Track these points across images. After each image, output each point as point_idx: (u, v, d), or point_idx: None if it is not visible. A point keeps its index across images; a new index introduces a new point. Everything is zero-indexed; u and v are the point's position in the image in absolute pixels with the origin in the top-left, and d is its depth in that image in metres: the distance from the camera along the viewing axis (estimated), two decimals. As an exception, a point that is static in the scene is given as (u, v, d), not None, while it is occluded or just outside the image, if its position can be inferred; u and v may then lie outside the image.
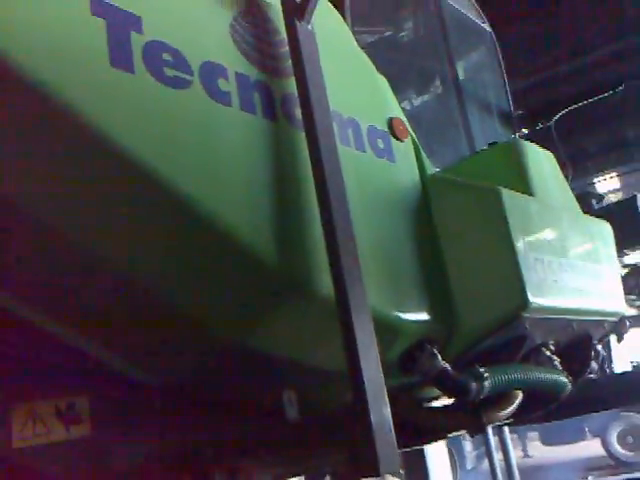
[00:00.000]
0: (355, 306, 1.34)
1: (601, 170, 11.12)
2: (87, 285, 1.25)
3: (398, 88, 2.80)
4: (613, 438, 11.37)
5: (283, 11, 1.50)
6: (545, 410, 2.20)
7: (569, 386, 2.00)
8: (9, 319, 1.22)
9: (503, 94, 3.22)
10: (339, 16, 1.90)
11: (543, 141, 4.12)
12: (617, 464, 11.15)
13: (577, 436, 12.39)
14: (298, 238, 1.40)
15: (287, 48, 1.51)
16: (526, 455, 14.26)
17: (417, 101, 2.97)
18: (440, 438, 2.05)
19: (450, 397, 1.73)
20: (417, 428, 1.69)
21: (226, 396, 1.48)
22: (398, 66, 2.87)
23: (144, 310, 1.30)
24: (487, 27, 3.23)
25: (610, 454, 11.35)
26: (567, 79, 7.68)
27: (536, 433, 13.49)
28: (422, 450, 3.86)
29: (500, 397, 1.77)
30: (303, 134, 1.45)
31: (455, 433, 2.02)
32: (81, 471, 1.30)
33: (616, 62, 7.70)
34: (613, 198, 15.77)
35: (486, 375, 1.63)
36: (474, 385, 1.61)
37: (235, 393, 1.49)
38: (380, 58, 2.28)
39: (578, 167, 9.71)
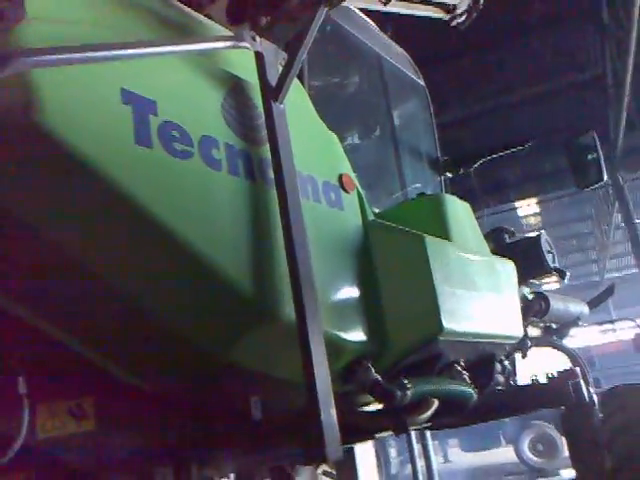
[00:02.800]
0: (311, 329, 1.72)
1: (521, 198, 12.16)
2: (102, 310, 1.58)
3: (343, 128, 3.24)
4: (525, 445, 12.12)
5: (261, 92, 1.89)
6: (457, 416, 2.67)
7: (475, 396, 2.46)
8: (34, 334, 1.53)
9: (432, 142, 3.73)
10: (300, 86, 2.30)
11: (465, 181, 4.68)
12: (529, 470, 11.97)
13: (493, 443, 13.15)
14: (269, 274, 1.78)
15: (263, 121, 1.89)
16: (447, 460, 14.96)
17: (359, 142, 3.40)
18: (371, 437, 2.47)
19: (380, 403, 2.15)
20: (353, 428, 2.08)
21: (204, 399, 1.83)
22: (343, 110, 3.30)
23: (144, 330, 1.64)
24: (421, 82, 3.73)
25: (522, 460, 12.03)
26: (487, 127, 8.41)
27: (456, 440, 14.22)
28: (352, 452, 4.28)
29: (420, 404, 2.20)
30: (274, 190, 1.84)
31: (384, 434, 2.44)
32: (88, 458, 1.62)
33: (532, 104, 8.55)
34: (532, 220, 16.88)
35: (409, 386, 2.05)
36: (399, 393, 2.03)
37: (212, 397, 1.84)
38: (328, 102, 2.69)
39: (501, 195, 10.59)
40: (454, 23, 3.21)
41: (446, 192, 3.67)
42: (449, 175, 3.67)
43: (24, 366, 1.48)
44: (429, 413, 2.22)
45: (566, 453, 3.65)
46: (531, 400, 3.29)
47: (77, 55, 1.25)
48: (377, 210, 2.63)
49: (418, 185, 3.50)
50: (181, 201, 1.59)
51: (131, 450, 1.72)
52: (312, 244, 1.85)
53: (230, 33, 1.95)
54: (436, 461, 9.16)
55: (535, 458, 11.97)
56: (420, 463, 8.49)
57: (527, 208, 14.33)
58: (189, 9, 1.92)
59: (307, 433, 1.66)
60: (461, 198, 2.79)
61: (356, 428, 2.09)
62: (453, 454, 15.11)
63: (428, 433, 8.66)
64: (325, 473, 3.88)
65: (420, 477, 8.33)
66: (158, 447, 1.77)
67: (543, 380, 3.19)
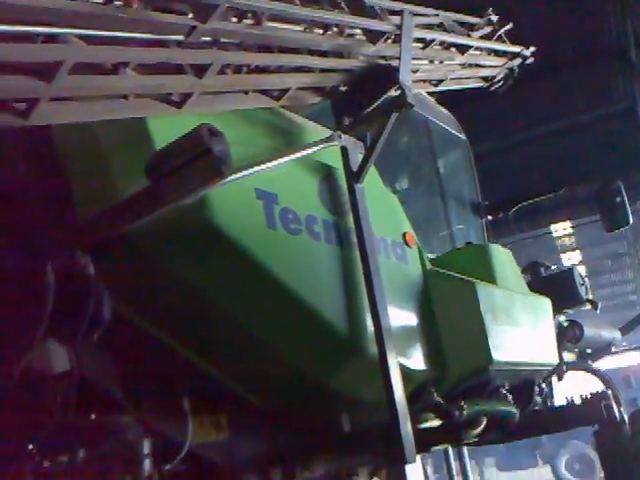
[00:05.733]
0: (390, 361, 2.23)
1: (554, 222, 12.45)
2: (242, 351, 2.12)
3: (397, 183, 3.76)
4: (562, 465, 12.33)
5: (345, 177, 2.43)
6: (501, 432, 3.13)
7: (517, 415, 2.94)
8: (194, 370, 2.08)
9: (474, 189, 4.23)
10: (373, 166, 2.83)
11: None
12: (565, 489, 12.13)
13: (529, 462, 13.33)
14: (356, 318, 2.30)
15: (346, 198, 2.43)
16: (482, 479, 15.06)
17: (412, 194, 3.92)
18: (430, 449, 2.95)
19: (440, 420, 2.64)
20: (420, 441, 2.57)
21: (305, 415, 2.36)
22: (397, 167, 3.82)
23: (270, 363, 2.18)
24: (463, 136, 4.25)
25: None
26: (523, 157, 8.80)
27: (492, 459, 14.42)
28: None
29: (472, 421, 2.69)
30: (357, 252, 2.37)
31: (440, 446, 2.93)
32: (224, 459, 2.15)
33: (565, 135, 8.92)
34: (567, 241, 16.98)
35: (464, 406, 2.54)
36: (457, 413, 2.52)
37: (311, 414, 2.36)
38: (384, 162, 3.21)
39: (535, 220, 10.92)
40: (492, 89, 3.73)
41: (487, 232, 4.15)
42: (489, 218, 4.16)
43: (186, 392, 2.03)
44: (480, 429, 2.71)
45: (602, 473, 4.00)
46: (566, 419, 3.72)
47: (241, 174, 1.80)
48: (430, 255, 3.14)
49: (461, 227, 4.00)
50: (296, 267, 2.13)
51: (253, 454, 2.25)
52: (386, 293, 2.37)
53: (322, 130, 2.51)
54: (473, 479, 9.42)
55: (572, 477, 12.12)
56: (457, 480, 8.79)
57: (562, 230, 14.58)
58: (290, 113, 2.47)
59: (389, 441, 2.16)
60: (498, 226, 3.25)
61: (422, 440, 2.58)
62: (489, 473, 15.23)
63: (466, 452, 8.98)
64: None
65: (458, 494, 8.65)
66: (272, 453, 2.30)
67: (578, 401, 3.62)
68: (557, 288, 4.16)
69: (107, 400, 1.79)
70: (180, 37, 1.71)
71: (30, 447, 1.60)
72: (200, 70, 1.77)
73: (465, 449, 8.97)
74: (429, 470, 12.06)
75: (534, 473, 13.53)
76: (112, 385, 1.80)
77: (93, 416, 1.67)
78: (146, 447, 1.36)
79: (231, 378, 2.23)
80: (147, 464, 1.33)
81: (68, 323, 1.62)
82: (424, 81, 3.10)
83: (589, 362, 4.98)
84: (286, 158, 2.09)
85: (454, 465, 8.89)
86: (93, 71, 1.50)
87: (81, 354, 1.68)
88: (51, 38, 1.38)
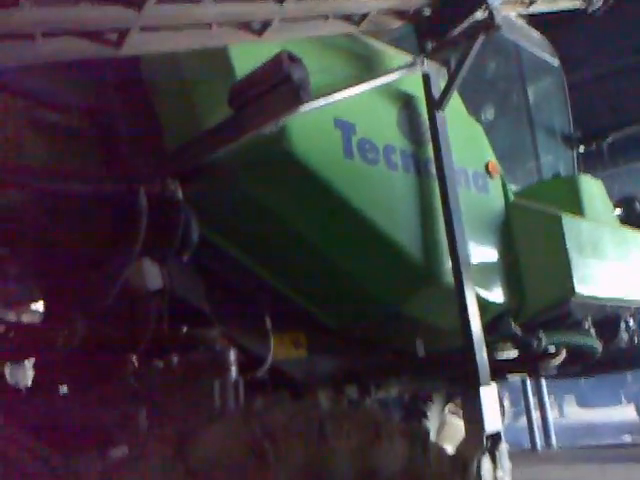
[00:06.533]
0: (467, 290, 2.25)
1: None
2: (320, 275, 2.21)
3: (485, 111, 3.62)
4: (647, 403, 12.01)
5: (427, 104, 2.37)
6: (582, 366, 3.10)
7: (599, 349, 2.88)
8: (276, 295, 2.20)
9: (566, 118, 3.99)
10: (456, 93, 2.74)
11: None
12: (650, 429, 11.80)
13: (612, 400, 13.03)
14: (434, 248, 2.31)
15: (427, 127, 2.38)
16: (562, 415, 14.91)
17: (499, 123, 3.76)
18: (506, 378, 2.98)
19: (519, 351, 2.65)
20: (496, 370, 2.60)
21: (382, 339, 2.45)
22: (486, 95, 3.66)
23: (347, 288, 2.26)
24: (556, 62, 3.97)
25: (644, 419, 12.00)
26: (620, 87, 8.11)
27: (573, 396, 14.23)
28: (478, 395, 4.77)
29: (551, 353, 2.68)
30: (436, 182, 2.35)
31: (517, 377, 2.95)
32: (303, 375, 2.29)
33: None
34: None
35: (542, 337, 2.53)
36: (535, 343, 2.52)
37: (388, 338, 2.45)
38: (472, 89, 3.09)
39: (631, 154, 10.15)
40: (589, 11, 3.43)
41: (578, 165, 3.94)
42: (581, 150, 3.94)
43: (268, 312, 2.16)
44: (559, 361, 2.69)
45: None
46: (653, 357, 3.60)
47: (321, 101, 1.82)
48: (515, 187, 3.05)
49: (551, 159, 3.82)
50: (372, 196, 2.15)
51: (330, 372, 2.38)
52: (465, 223, 2.35)
53: (404, 56, 2.45)
54: (551, 415, 9.39)
55: (658, 417, 11.77)
56: (535, 415, 8.79)
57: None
58: (370, 39, 2.42)
59: (465, 366, 2.21)
60: (591, 159, 3.09)
61: (498, 369, 2.61)
62: (569, 409, 15.08)
63: (544, 386, 8.93)
64: (451, 412, 4.38)
65: (535, 429, 8.68)
66: (348, 371, 2.42)
67: (668, 340, 3.48)
68: (653, 223, 3.92)
69: (197, 316, 1.94)
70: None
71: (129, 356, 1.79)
72: (280, -4, 1.77)
73: (544, 384, 8.94)
74: (506, 404, 12.12)
75: (617, 412, 13.24)
76: (201, 302, 1.94)
77: (184, 329, 1.83)
78: (232, 355, 1.49)
79: (310, 301, 2.33)
80: (234, 371, 1.46)
81: (160, 244, 1.75)
82: (514, 2, 2.90)
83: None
84: (366, 86, 2.07)
85: (532, 400, 8.93)
86: (178, 0, 1.54)
87: (173, 273, 1.83)
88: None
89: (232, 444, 0.93)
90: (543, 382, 8.87)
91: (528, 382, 8.88)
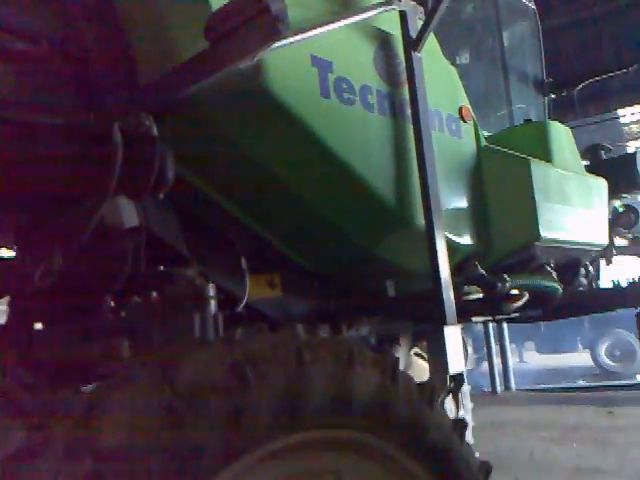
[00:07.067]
0: (437, 232, 2.31)
1: (622, 106, 11.69)
2: (292, 215, 2.23)
3: (457, 53, 3.61)
4: (602, 350, 12.56)
5: (403, 44, 2.36)
6: (544, 309, 3.23)
7: (560, 291, 3.01)
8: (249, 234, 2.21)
9: (539, 64, 4.01)
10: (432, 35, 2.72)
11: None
12: (603, 373, 12.42)
13: (569, 347, 13.63)
14: (406, 189, 2.35)
15: (403, 67, 2.38)
16: (522, 360, 15.56)
17: (471, 66, 3.77)
18: (470, 320, 3.10)
19: (484, 292, 2.74)
20: (461, 310, 2.70)
21: (354, 280, 2.51)
22: (458, 37, 3.65)
23: (319, 228, 2.29)
24: (532, 5, 3.96)
25: (598, 364, 12.50)
26: (593, 34, 8.11)
27: (532, 343, 14.82)
28: (443, 340, 4.94)
29: (514, 295, 2.78)
30: (410, 125, 2.36)
31: (482, 318, 3.07)
32: (277, 314, 2.35)
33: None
34: (635, 128, 16.05)
35: (507, 279, 2.63)
36: (499, 285, 2.61)
37: (359, 279, 2.51)
38: (444, 30, 3.07)
39: (601, 103, 10.29)
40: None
41: (549, 113, 3.99)
42: (552, 96, 3.98)
43: (243, 253, 2.18)
44: (521, 302, 2.80)
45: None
46: (611, 300, 3.78)
47: (298, 36, 1.79)
48: (486, 133, 3.08)
49: (523, 106, 3.86)
50: (347, 136, 2.16)
51: (303, 311, 2.44)
52: (437, 165, 2.38)
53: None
54: (512, 360, 9.81)
55: (611, 363, 12.33)
56: (496, 361, 9.18)
57: (630, 116, 13.72)
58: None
59: (432, 306, 2.30)
60: (561, 108, 3.15)
61: (463, 310, 2.72)
62: (528, 355, 15.72)
63: (506, 333, 9.29)
64: (417, 355, 4.53)
65: (496, 373, 9.08)
66: (321, 311, 2.49)
67: (624, 284, 3.65)
68: (617, 171, 4.04)
69: (173, 255, 1.95)
70: None
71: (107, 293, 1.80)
72: None
73: (506, 331, 9.31)
74: (469, 350, 12.58)
75: (573, 358, 13.87)
76: (177, 242, 1.95)
77: (161, 268, 1.84)
78: (212, 291, 1.51)
79: (285, 243, 2.36)
80: (213, 305, 1.49)
81: (136, 181, 1.74)
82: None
83: (641, 248, 4.93)
84: (343, 22, 2.04)
85: (494, 346, 9.30)
86: None
87: (149, 211, 1.82)
88: None
89: (216, 368, 0.95)
90: (505, 329, 9.24)
91: (491, 329, 9.24)
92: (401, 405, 1.24)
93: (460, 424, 1.40)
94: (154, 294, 1.58)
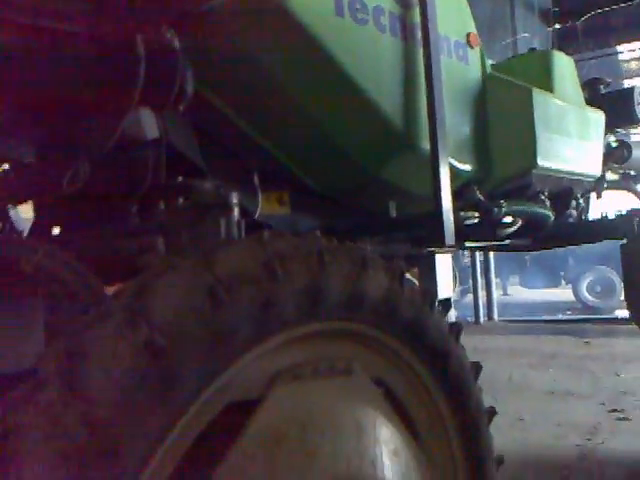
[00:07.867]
0: (441, 156, 2.40)
1: (623, 42, 11.53)
2: (303, 134, 2.30)
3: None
4: (583, 286, 12.93)
5: (416, -34, 2.36)
6: (536, 236, 3.39)
7: (552, 219, 3.15)
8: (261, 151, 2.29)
9: (546, -6, 3.98)
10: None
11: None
12: (584, 308, 12.84)
13: (553, 282, 13.99)
14: (413, 113, 2.42)
15: (415, -10, 2.39)
16: (505, 294, 15.99)
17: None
18: (466, 242, 3.25)
19: (480, 217, 2.87)
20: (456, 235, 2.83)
21: (359, 200, 2.62)
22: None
23: (321, 145, 2.37)
24: None
25: (579, 299, 12.87)
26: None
27: (517, 278, 15.21)
28: (434, 266, 5.12)
29: (509, 222, 2.92)
30: (420, 48, 2.41)
31: (476, 243, 3.22)
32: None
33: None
34: (634, 65, 15.89)
35: (503, 204, 2.76)
36: (496, 210, 2.74)
37: (364, 199, 2.62)
38: None
39: (603, 37, 10.15)
40: None
41: (553, 44, 4.01)
42: (557, 26, 3.98)
43: (257, 169, 2.27)
44: (515, 228, 2.95)
45: (622, 296, 4.28)
46: (598, 230, 3.94)
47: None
48: (491, 61, 3.12)
49: (527, 35, 3.87)
50: (359, 56, 2.21)
51: (309, 229, 2.56)
52: (445, 89, 2.45)
53: None
54: (496, 293, 10.12)
55: (592, 298, 12.69)
56: (480, 293, 9.48)
57: (629, 53, 13.53)
58: None
59: (432, 227, 2.42)
60: (564, 40, 3.20)
61: (460, 233, 2.85)
62: (513, 289, 16.14)
63: (492, 267, 9.55)
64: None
65: (480, 305, 9.40)
66: (326, 229, 2.60)
67: (612, 216, 3.80)
68: (614, 105, 4.11)
69: (190, 168, 2.03)
70: None
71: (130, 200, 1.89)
72: None
73: (492, 264, 9.57)
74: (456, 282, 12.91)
75: (557, 293, 14.27)
76: (195, 155, 2.03)
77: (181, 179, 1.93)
78: (235, 198, 1.61)
79: (295, 162, 2.45)
80: (236, 211, 1.59)
81: (158, 93, 1.79)
82: None
83: (632, 183, 5.07)
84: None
85: (480, 279, 9.57)
86: None
87: (168, 124, 1.89)
88: None
89: (249, 261, 1.03)
90: (491, 262, 9.48)
91: (477, 262, 9.47)
92: (406, 306, 1.37)
93: (455, 327, 1.55)
94: (180, 201, 1.67)
